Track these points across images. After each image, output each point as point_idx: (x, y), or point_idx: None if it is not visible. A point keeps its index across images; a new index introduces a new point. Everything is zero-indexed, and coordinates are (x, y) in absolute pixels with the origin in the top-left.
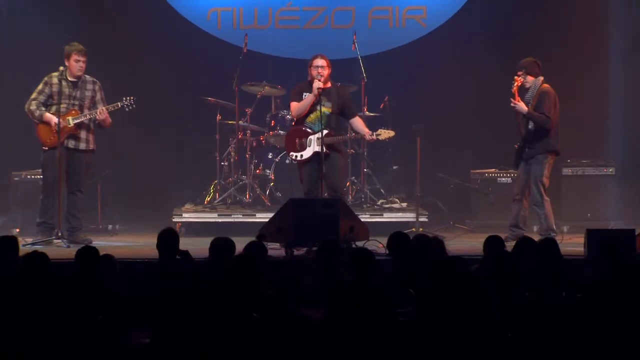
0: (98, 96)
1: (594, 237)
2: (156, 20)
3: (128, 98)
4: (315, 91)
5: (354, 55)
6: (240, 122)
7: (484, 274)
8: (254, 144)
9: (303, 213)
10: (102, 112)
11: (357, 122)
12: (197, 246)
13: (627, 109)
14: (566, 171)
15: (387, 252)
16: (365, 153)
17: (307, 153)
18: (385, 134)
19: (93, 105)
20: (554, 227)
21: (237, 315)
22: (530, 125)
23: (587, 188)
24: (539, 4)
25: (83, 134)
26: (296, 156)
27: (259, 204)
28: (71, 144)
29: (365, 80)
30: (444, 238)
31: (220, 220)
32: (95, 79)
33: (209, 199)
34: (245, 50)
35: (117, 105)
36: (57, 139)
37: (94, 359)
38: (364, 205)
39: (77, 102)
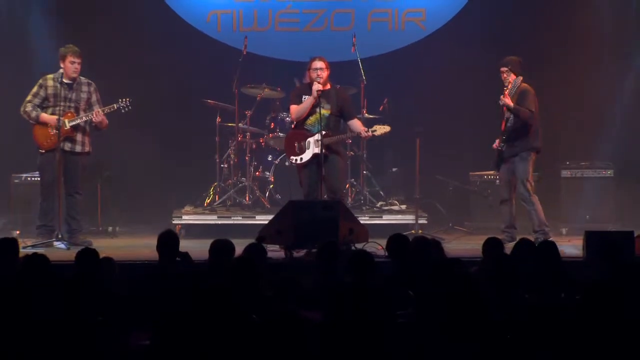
0: (94, 98)
1: (592, 239)
2: (156, 22)
3: (124, 100)
4: (314, 93)
5: (353, 57)
6: (240, 125)
7: (483, 276)
8: (254, 146)
9: (302, 215)
10: (98, 114)
11: (356, 124)
12: (197, 248)
13: (626, 111)
14: (565, 173)
15: (387, 254)
16: (365, 155)
17: (306, 156)
18: (381, 129)
19: (89, 107)
20: (546, 221)
21: (237, 317)
22: (510, 124)
23: (585, 190)
24: (538, 6)
25: (79, 137)
26: (296, 160)
27: (258, 206)
28: (67, 146)
29: (365, 82)
30: (443, 240)
31: (219, 222)
32: (90, 81)
33: (208, 201)
34: (245, 53)
35: (113, 107)
36: (56, 140)
37: None
38: (364, 208)
39: (72, 105)
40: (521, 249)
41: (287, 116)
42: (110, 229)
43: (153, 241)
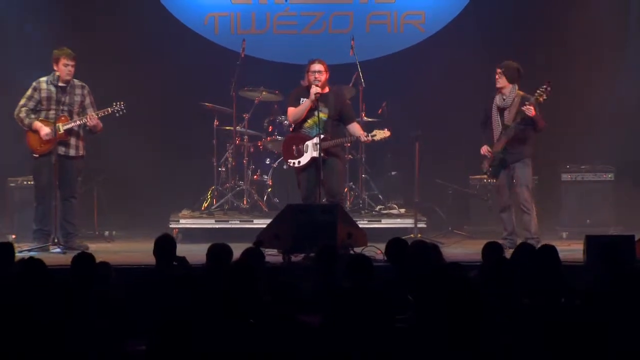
0: (87, 101)
1: (593, 243)
2: (152, 24)
3: (118, 103)
4: (312, 96)
5: (351, 60)
6: (238, 128)
7: (482, 280)
8: (252, 149)
9: (301, 219)
10: (92, 119)
11: (355, 128)
12: (194, 252)
13: (627, 113)
14: (565, 177)
15: (385, 258)
16: (364, 159)
17: (304, 159)
18: (380, 134)
19: (82, 110)
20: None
21: (236, 321)
22: (513, 131)
23: (586, 194)
24: (537, 8)
25: (73, 141)
26: (294, 163)
27: (256, 210)
28: (61, 150)
29: (363, 85)
30: (442, 244)
31: (217, 226)
32: (84, 84)
33: (206, 205)
34: (242, 56)
35: (108, 111)
36: (50, 145)
37: None
38: (362, 211)
39: (66, 108)
40: (521, 254)
41: (286, 119)
42: (106, 233)
43: (150, 245)
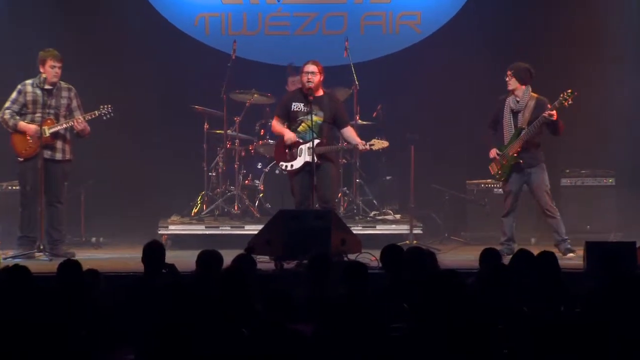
0: (74, 103)
1: (593, 250)
2: (141, 25)
3: (106, 106)
4: (288, 142)
5: (346, 62)
6: (229, 131)
7: (480, 287)
8: (243, 153)
9: (293, 225)
10: (79, 122)
11: (349, 132)
12: (183, 259)
13: (627, 118)
14: (565, 182)
15: (380, 265)
16: (358, 163)
17: (297, 163)
18: (378, 144)
19: (69, 113)
20: None
21: (227, 330)
22: (527, 135)
23: (586, 199)
24: (536, 9)
25: (59, 144)
26: (286, 166)
27: (247, 216)
28: (47, 154)
29: (358, 87)
30: (439, 251)
31: (207, 232)
32: (70, 86)
33: (196, 210)
34: (233, 57)
35: (95, 114)
36: (35, 148)
37: None
38: (356, 217)
39: (52, 111)
40: (519, 260)
41: None
42: (94, 239)
43: (138, 252)
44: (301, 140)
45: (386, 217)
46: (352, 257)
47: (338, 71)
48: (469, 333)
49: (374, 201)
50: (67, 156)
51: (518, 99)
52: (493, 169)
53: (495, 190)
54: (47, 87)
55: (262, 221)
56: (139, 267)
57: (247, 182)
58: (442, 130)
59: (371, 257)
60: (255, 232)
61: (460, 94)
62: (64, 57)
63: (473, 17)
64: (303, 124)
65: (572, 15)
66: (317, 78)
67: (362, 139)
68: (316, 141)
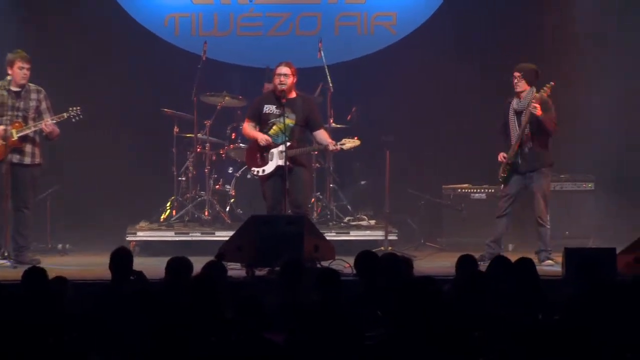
0: (43, 105)
1: (572, 256)
2: (109, 25)
3: (74, 108)
4: (261, 143)
5: (319, 63)
6: (199, 135)
7: (456, 294)
8: (214, 157)
9: (265, 231)
10: (47, 125)
11: (322, 134)
12: (152, 266)
13: (606, 122)
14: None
15: (354, 272)
16: (331, 167)
17: (269, 168)
18: (350, 143)
19: (38, 115)
20: None
21: (196, 339)
22: (528, 137)
23: (565, 204)
24: (512, 10)
25: (28, 148)
26: (258, 171)
27: (218, 222)
28: (15, 158)
29: (332, 89)
30: (415, 257)
31: (177, 238)
32: (40, 88)
33: (165, 216)
34: (204, 59)
35: (63, 116)
36: (3, 152)
37: None
38: (330, 223)
39: (20, 114)
40: (497, 267)
41: None
42: (60, 246)
43: (105, 259)
44: (272, 144)
45: (360, 222)
46: (325, 263)
47: (312, 73)
48: (445, 341)
49: (348, 206)
50: (37, 160)
51: (520, 100)
52: (500, 173)
53: (472, 195)
54: (15, 89)
55: (233, 227)
56: (106, 274)
57: (217, 187)
58: (418, 133)
59: (345, 264)
60: (226, 239)
61: (436, 95)
62: (32, 58)
63: (449, 18)
64: (275, 127)
65: (548, 16)
66: (290, 80)
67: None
68: (288, 144)
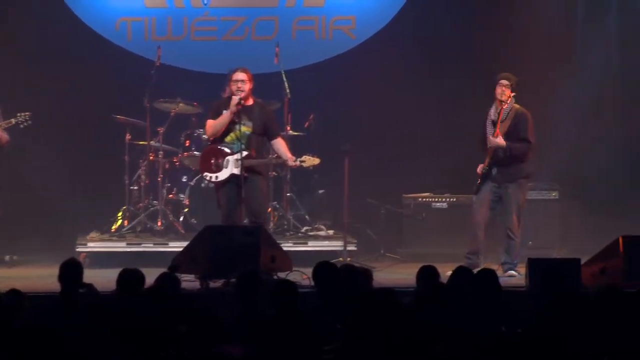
0: None
1: (536, 267)
2: (58, 30)
3: (23, 114)
4: (233, 108)
5: (276, 69)
6: (152, 142)
7: (417, 307)
8: (167, 166)
9: (220, 241)
10: None
11: (280, 144)
12: (103, 278)
13: (571, 130)
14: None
15: (312, 284)
16: (289, 176)
17: (222, 175)
18: (310, 161)
19: None
20: None
21: (149, 353)
22: (509, 149)
23: (528, 213)
24: (475, 14)
25: None
26: (211, 177)
27: (171, 232)
28: None
29: (289, 96)
30: (374, 269)
31: (129, 249)
32: None
33: (116, 226)
34: (158, 64)
35: (11, 122)
36: None
37: None
38: (287, 233)
39: None
40: (458, 278)
41: (204, 133)
42: (7, 257)
43: (54, 271)
44: (228, 151)
45: (318, 232)
46: (282, 275)
47: (268, 79)
48: (405, 354)
49: (306, 216)
50: None
51: (498, 109)
52: (478, 184)
53: (434, 204)
54: None
55: (187, 237)
56: (55, 286)
57: (171, 196)
58: (378, 140)
59: (303, 276)
60: (180, 249)
61: (397, 102)
62: None
63: (410, 22)
64: (231, 134)
65: (510, 19)
66: (247, 86)
67: (293, 150)
68: (244, 153)
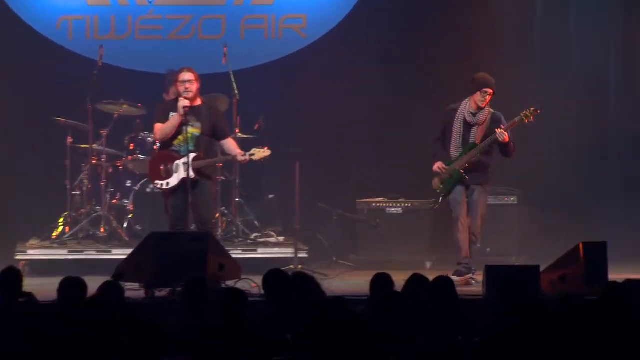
0: None
1: (494, 274)
2: None
3: None
4: (181, 110)
5: (224, 69)
6: (95, 146)
7: (371, 315)
8: (110, 170)
9: (166, 248)
10: None
11: (230, 144)
12: (43, 287)
13: (529, 133)
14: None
15: (262, 292)
16: (237, 180)
17: (173, 181)
18: (259, 153)
19: None
20: None
21: None
22: (477, 155)
23: (486, 219)
24: (429, 12)
25: None
26: (162, 184)
27: (115, 239)
28: None
29: (238, 97)
30: (326, 276)
31: (70, 257)
32: None
33: (57, 233)
34: (100, 64)
35: None
36: None
37: None
38: (236, 240)
39: None
40: (413, 286)
41: (149, 136)
42: None
43: None
44: (176, 155)
45: (268, 239)
46: (230, 283)
47: (216, 79)
48: None
49: (255, 222)
50: None
51: (475, 112)
52: (435, 184)
53: (388, 209)
54: None
55: (132, 245)
56: None
57: (114, 201)
58: (331, 143)
59: (252, 284)
60: (124, 257)
61: (349, 103)
62: None
63: (363, 21)
64: (179, 137)
65: (467, 17)
66: (194, 86)
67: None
68: (193, 155)
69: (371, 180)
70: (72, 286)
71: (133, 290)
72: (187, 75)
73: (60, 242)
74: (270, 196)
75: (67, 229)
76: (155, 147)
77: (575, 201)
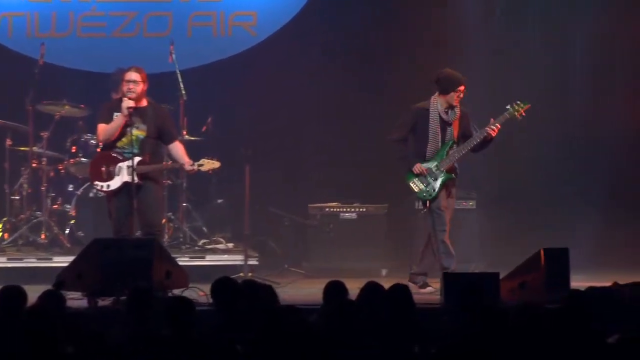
0: None
1: (451, 282)
2: None
3: None
4: (125, 111)
5: (171, 68)
6: (35, 148)
7: (324, 325)
8: (52, 174)
9: (109, 255)
10: None
11: (177, 148)
12: None
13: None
14: (417, 204)
15: (211, 301)
16: (185, 184)
17: (114, 183)
18: (209, 164)
19: None
20: None
21: None
22: (457, 151)
23: None
24: (384, 10)
25: None
26: (102, 186)
27: (56, 246)
28: None
29: (185, 97)
30: (278, 284)
31: (9, 265)
32: None
33: None
34: (41, 63)
35: None
36: None
37: None
38: (183, 246)
39: None
40: (368, 295)
41: (92, 138)
42: None
43: None
44: (120, 157)
45: (217, 246)
46: (177, 292)
47: (162, 78)
48: None
49: (203, 228)
50: None
51: (449, 110)
52: (417, 187)
53: (342, 214)
54: None
55: (74, 252)
56: None
57: (56, 206)
58: (282, 145)
59: (200, 292)
60: (66, 265)
61: (302, 103)
62: None
63: (314, 18)
64: (123, 139)
65: (424, 14)
66: (139, 87)
67: (190, 156)
68: (138, 159)
69: (324, 183)
70: (11, 295)
71: (75, 299)
72: (132, 75)
73: None
74: (219, 201)
75: (6, 235)
76: (98, 150)
77: (537, 205)
